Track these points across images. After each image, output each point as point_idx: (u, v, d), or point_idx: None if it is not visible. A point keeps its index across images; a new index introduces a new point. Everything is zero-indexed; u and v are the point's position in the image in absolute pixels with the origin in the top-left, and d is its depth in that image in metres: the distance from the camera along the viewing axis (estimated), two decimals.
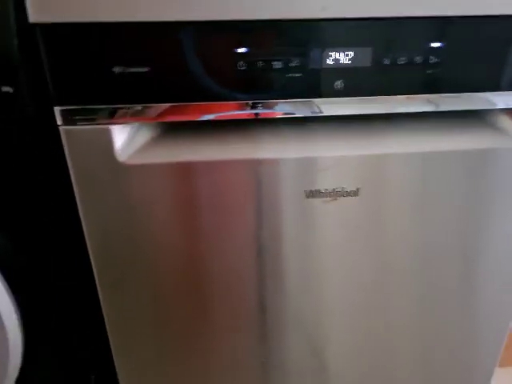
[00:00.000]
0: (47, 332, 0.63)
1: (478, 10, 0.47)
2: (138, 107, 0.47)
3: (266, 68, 0.46)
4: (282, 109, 0.49)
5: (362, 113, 0.51)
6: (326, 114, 0.50)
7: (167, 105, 0.47)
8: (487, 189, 0.56)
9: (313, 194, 0.53)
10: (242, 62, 0.46)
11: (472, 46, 0.48)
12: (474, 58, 0.49)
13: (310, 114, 0.50)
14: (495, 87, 0.51)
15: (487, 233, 0.59)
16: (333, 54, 0.47)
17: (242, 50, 0.45)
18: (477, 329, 0.67)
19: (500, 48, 0.49)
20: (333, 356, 0.67)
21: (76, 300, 0.62)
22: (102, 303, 0.59)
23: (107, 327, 0.61)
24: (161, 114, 0.48)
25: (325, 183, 0.53)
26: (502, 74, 0.50)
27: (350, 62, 0.47)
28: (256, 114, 0.49)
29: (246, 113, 0.49)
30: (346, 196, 0.54)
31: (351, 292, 0.61)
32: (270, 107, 0.49)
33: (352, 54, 0.47)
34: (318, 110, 0.50)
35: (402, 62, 0.48)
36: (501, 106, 0.52)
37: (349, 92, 0.49)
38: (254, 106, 0.49)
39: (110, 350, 0.63)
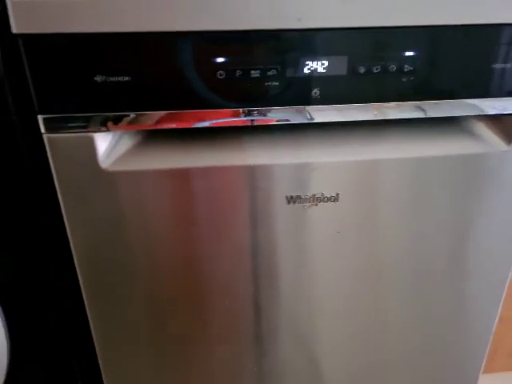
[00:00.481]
0: (34, 340, 0.64)
1: (452, 19, 0.48)
2: (132, 115, 0.48)
3: (244, 77, 0.47)
4: (274, 116, 0.50)
5: (342, 120, 0.52)
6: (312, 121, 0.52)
7: (162, 112, 0.48)
8: (466, 193, 0.57)
9: (293, 199, 0.54)
10: (221, 71, 0.47)
11: (449, 54, 0.49)
12: (458, 67, 0.50)
13: (297, 122, 0.51)
14: (483, 94, 0.52)
15: (470, 235, 0.60)
16: (309, 62, 0.48)
17: (220, 59, 0.47)
18: (464, 330, 0.68)
19: (483, 56, 0.50)
20: (325, 356, 0.68)
21: (63, 308, 0.62)
22: (88, 312, 0.59)
23: (93, 336, 0.61)
24: (158, 121, 0.49)
25: (305, 189, 0.54)
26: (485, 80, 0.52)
27: (326, 70, 0.48)
28: (252, 121, 0.50)
29: (241, 120, 0.50)
30: (327, 202, 0.55)
31: (337, 295, 0.62)
32: (263, 114, 0.50)
33: (328, 62, 0.48)
34: (309, 117, 0.51)
35: (379, 71, 0.49)
36: (490, 112, 0.53)
37: (327, 100, 0.50)
38: (248, 114, 0.50)
39: (97, 357, 0.64)
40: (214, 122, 0.50)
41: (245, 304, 0.61)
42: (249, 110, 0.50)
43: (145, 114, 0.49)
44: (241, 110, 0.50)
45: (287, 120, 0.51)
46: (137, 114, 0.48)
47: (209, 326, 0.62)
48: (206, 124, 0.50)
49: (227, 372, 0.67)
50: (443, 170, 0.55)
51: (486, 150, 0.55)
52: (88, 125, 0.48)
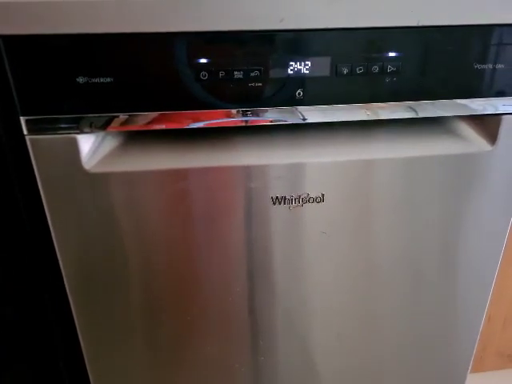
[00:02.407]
0: (22, 340, 0.63)
1: (438, 21, 0.48)
2: (118, 116, 0.48)
3: (227, 78, 0.47)
4: (268, 116, 0.51)
5: (325, 121, 0.52)
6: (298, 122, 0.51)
7: (148, 114, 0.48)
8: (452, 193, 0.57)
9: (279, 200, 0.54)
10: (203, 72, 0.47)
11: (432, 55, 0.50)
12: (443, 67, 0.50)
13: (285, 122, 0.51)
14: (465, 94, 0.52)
15: (457, 235, 0.60)
16: (293, 63, 0.48)
17: (203, 60, 0.47)
18: (452, 329, 0.68)
19: (471, 56, 0.50)
20: (316, 354, 0.68)
21: (50, 309, 0.62)
22: (74, 315, 0.59)
23: (80, 338, 0.61)
24: (150, 123, 0.49)
25: (290, 190, 0.54)
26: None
27: (309, 71, 0.48)
28: (246, 122, 0.50)
29: (234, 120, 0.50)
30: (312, 202, 0.55)
31: (326, 295, 0.62)
32: (257, 115, 0.50)
33: (311, 63, 0.48)
34: (301, 118, 0.51)
35: (362, 71, 0.49)
36: (479, 112, 0.53)
37: (311, 100, 0.50)
38: (244, 114, 0.50)
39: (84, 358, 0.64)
40: (203, 123, 0.50)
41: (236, 303, 0.61)
42: (238, 111, 0.50)
43: (128, 115, 0.48)
44: (233, 110, 0.50)
45: (275, 121, 0.51)
46: (120, 116, 0.48)
47: (200, 327, 0.62)
48: (188, 126, 0.50)
49: (220, 372, 0.67)
50: (429, 170, 0.55)
51: (471, 150, 0.55)
52: (71, 126, 0.48)
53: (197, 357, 0.65)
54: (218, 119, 0.50)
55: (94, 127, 0.48)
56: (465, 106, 0.53)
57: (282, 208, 0.55)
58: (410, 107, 0.52)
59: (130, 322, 0.61)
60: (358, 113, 0.51)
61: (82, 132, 0.48)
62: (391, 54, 0.49)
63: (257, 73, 0.48)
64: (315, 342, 0.66)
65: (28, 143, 0.48)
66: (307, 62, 0.48)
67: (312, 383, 0.70)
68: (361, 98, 0.51)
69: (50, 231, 0.53)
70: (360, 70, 0.49)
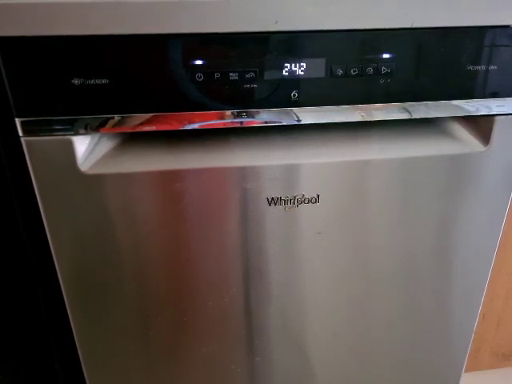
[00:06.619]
0: (16, 344, 0.63)
1: (431, 22, 0.48)
2: (113, 117, 0.48)
3: (223, 79, 0.47)
4: (263, 117, 0.51)
5: (320, 122, 0.52)
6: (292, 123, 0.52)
7: (143, 115, 0.48)
8: (446, 193, 0.57)
9: (274, 201, 0.54)
10: (199, 74, 0.47)
11: (426, 57, 0.50)
12: (437, 69, 0.51)
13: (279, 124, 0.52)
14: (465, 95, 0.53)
15: (451, 234, 0.61)
16: (287, 65, 0.48)
17: (198, 61, 0.47)
18: (446, 328, 0.69)
19: (464, 58, 0.51)
20: (311, 353, 0.68)
21: (45, 311, 0.62)
22: (70, 317, 0.59)
23: (76, 340, 0.61)
24: (145, 124, 0.49)
25: (285, 190, 0.54)
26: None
27: (303, 73, 0.49)
28: (241, 123, 0.51)
29: (229, 121, 0.50)
30: (308, 203, 0.55)
31: (321, 295, 0.63)
32: (252, 116, 0.50)
33: (306, 65, 0.48)
34: (296, 119, 0.51)
35: (362, 73, 0.49)
36: (473, 113, 0.54)
37: (306, 102, 0.50)
38: (239, 115, 0.50)
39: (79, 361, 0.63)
40: (198, 124, 0.50)
41: (232, 304, 0.61)
42: (233, 113, 0.50)
43: (124, 117, 0.48)
44: (228, 111, 0.50)
45: (270, 122, 0.51)
46: (116, 117, 0.48)
47: (196, 328, 0.62)
48: (183, 127, 0.50)
49: (216, 373, 0.67)
50: (423, 170, 0.55)
51: (465, 150, 0.55)
52: (66, 128, 0.48)
53: (193, 358, 0.65)
54: (214, 120, 0.50)
55: (89, 129, 0.48)
56: (458, 107, 0.53)
57: (277, 209, 0.55)
58: (404, 108, 0.52)
59: (125, 323, 0.60)
60: (353, 114, 0.52)
61: (77, 133, 0.48)
62: (385, 56, 0.49)
63: (252, 74, 0.48)
64: (311, 342, 0.67)
65: (23, 145, 0.48)
66: (302, 64, 0.48)
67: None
68: (355, 100, 0.51)
69: (45, 233, 0.53)
70: (354, 71, 0.49)
